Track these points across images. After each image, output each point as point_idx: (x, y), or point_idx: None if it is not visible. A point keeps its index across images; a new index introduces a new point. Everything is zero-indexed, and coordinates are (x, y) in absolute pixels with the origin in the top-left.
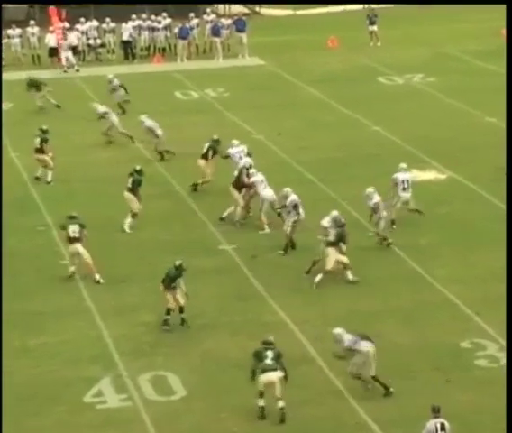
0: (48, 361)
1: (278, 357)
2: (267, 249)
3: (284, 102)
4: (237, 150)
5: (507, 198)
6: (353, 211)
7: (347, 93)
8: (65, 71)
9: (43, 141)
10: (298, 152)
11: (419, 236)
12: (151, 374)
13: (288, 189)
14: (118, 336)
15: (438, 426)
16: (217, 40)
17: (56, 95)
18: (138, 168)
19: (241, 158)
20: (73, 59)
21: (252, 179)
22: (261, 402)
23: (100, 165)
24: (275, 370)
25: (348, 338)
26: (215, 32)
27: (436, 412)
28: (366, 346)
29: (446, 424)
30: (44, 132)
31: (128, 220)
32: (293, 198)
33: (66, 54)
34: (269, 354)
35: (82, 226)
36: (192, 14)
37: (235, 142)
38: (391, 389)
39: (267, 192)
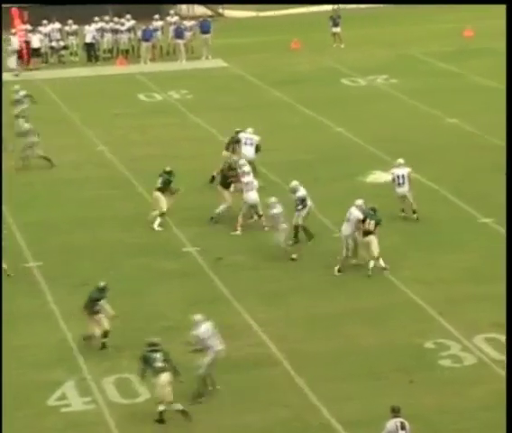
0: (13, 365)
1: (166, 357)
2: (231, 252)
3: (248, 104)
4: (246, 136)
5: (507, 198)
6: (318, 213)
7: (311, 95)
8: (16, 75)
9: None
10: (263, 154)
11: (383, 238)
12: (116, 377)
13: (296, 183)
14: (82, 340)
15: (398, 425)
16: (180, 42)
17: None
18: (168, 169)
19: (246, 144)
20: (14, 64)
21: (243, 179)
22: (161, 407)
23: (63, 167)
24: (165, 371)
25: (206, 329)
26: (179, 34)
27: (396, 412)
28: (219, 346)
29: (406, 423)
30: None
31: (157, 221)
32: (302, 192)
33: (10, 59)
34: (158, 355)
35: None
36: (157, 16)
37: (250, 130)
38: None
39: (250, 195)
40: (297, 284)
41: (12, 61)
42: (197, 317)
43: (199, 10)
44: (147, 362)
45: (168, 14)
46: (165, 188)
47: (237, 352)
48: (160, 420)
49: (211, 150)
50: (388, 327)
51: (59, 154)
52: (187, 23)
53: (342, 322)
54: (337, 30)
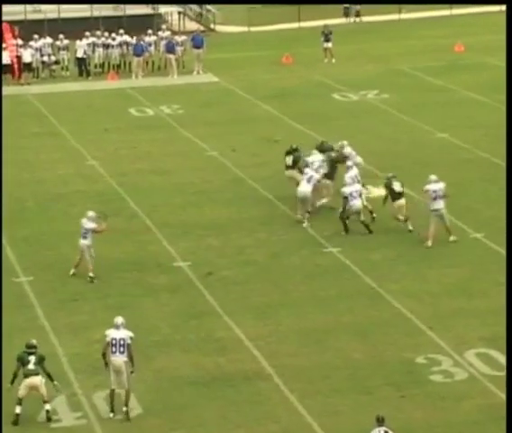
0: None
1: (40, 361)
2: (221, 266)
3: (238, 118)
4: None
5: (507, 199)
6: (309, 228)
7: (301, 109)
8: None
9: None
10: (253, 169)
11: (373, 252)
12: (106, 392)
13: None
14: (72, 354)
15: None
16: (172, 56)
17: (10, 112)
18: (295, 146)
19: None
20: None
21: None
22: (18, 410)
23: (53, 182)
24: (37, 374)
25: (119, 336)
26: (170, 48)
27: (380, 422)
28: (117, 359)
29: (389, 432)
30: None
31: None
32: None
33: None
34: (32, 358)
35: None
36: (150, 31)
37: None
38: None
39: (300, 188)
40: (287, 298)
41: None
42: (119, 320)
43: (191, 25)
44: (21, 362)
45: (159, 29)
46: (295, 165)
47: (227, 366)
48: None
49: (201, 164)
50: (378, 341)
51: (48, 168)
52: (179, 38)
53: (332, 336)
54: (328, 45)
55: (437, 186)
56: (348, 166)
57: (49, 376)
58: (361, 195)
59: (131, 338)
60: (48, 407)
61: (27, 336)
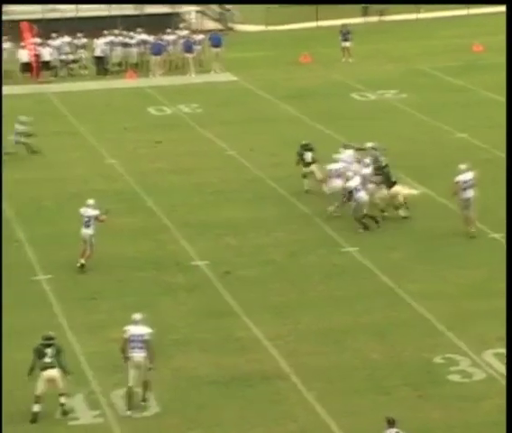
0: (20, 378)
1: (57, 354)
2: (239, 265)
3: (257, 118)
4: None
5: (507, 199)
6: (326, 226)
7: (320, 109)
8: None
9: None
10: (271, 168)
11: (391, 251)
12: (124, 391)
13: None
14: (90, 353)
15: None
16: (189, 55)
17: (29, 110)
18: (305, 142)
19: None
20: None
21: None
22: (36, 408)
23: (72, 181)
24: (54, 367)
25: (138, 332)
26: (187, 47)
27: (391, 424)
28: (136, 355)
29: None
30: None
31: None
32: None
33: None
34: (49, 351)
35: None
36: (168, 30)
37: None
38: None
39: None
40: (305, 298)
41: None
42: (137, 316)
43: (209, 24)
44: (38, 354)
45: (177, 28)
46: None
47: (245, 366)
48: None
49: (220, 164)
50: (396, 341)
51: (67, 167)
52: (197, 37)
53: (350, 336)
54: (347, 44)
55: (467, 176)
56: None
57: (63, 369)
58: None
59: (150, 335)
60: (63, 400)
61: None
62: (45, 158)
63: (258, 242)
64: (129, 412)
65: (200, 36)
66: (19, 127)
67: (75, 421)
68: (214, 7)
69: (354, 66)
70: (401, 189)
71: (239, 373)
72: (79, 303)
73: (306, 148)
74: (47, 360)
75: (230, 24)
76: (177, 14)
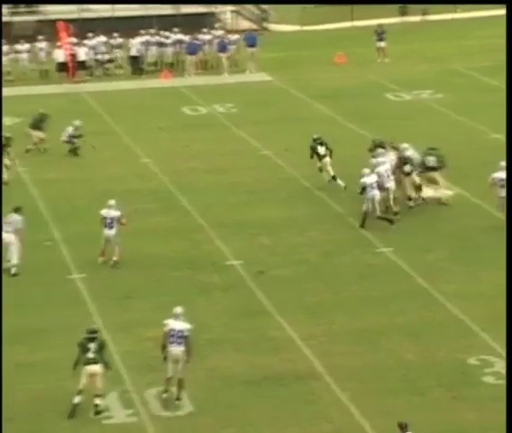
0: (53, 376)
1: (100, 349)
2: (273, 265)
3: (291, 117)
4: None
5: (507, 199)
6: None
7: (354, 109)
8: None
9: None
10: (305, 168)
11: (426, 252)
12: (158, 390)
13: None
14: (125, 352)
15: None
16: (223, 55)
17: (65, 110)
18: (316, 135)
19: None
20: None
21: None
22: (77, 400)
23: (106, 180)
24: (96, 363)
25: (178, 328)
26: (222, 47)
27: (404, 428)
28: (174, 349)
29: None
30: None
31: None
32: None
33: None
34: (92, 346)
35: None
36: (204, 30)
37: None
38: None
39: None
40: (339, 298)
41: None
42: (178, 309)
43: (244, 24)
44: (82, 349)
45: (213, 28)
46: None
47: (279, 365)
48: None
49: (255, 163)
50: (430, 342)
51: (102, 167)
52: (232, 37)
53: (384, 337)
54: (382, 44)
55: (504, 174)
56: (379, 162)
57: (106, 364)
58: (379, 187)
59: (189, 331)
60: (98, 401)
61: (80, 333)
62: (80, 157)
63: (292, 241)
64: (165, 395)
65: (235, 36)
66: (71, 130)
67: (109, 420)
68: (250, 7)
69: (389, 66)
70: (426, 191)
71: (272, 372)
72: (114, 302)
73: (319, 142)
74: (90, 355)
75: (265, 24)
76: (212, 14)
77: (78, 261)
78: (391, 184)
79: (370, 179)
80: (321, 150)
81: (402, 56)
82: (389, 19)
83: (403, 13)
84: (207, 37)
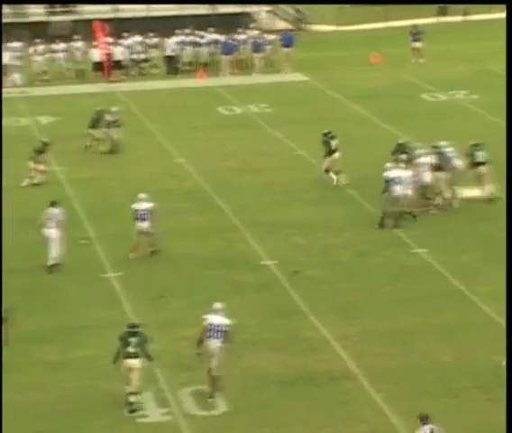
0: (87, 374)
1: (141, 344)
2: (308, 265)
3: (326, 118)
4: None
5: (507, 199)
6: (393, 227)
7: (389, 109)
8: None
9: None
10: (339, 168)
11: (461, 253)
12: (193, 389)
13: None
14: (159, 351)
15: (428, 432)
16: (258, 55)
17: None
18: (327, 130)
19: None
20: (19, 81)
21: None
22: (133, 398)
23: (141, 180)
24: (136, 357)
25: (217, 322)
26: (256, 47)
27: (424, 420)
28: (212, 342)
29: (435, 429)
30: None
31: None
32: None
33: (15, 76)
34: (132, 340)
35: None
36: (240, 30)
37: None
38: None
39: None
40: (373, 299)
41: (17, 78)
42: (218, 305)
43: (280, 24)
44: (123, 342)
45: (248, 28)
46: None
47: (314, 366)
48: (132, 409)
49: (289, 163)
50: (465, 343)
51: (137, 166)
52: (268, 37)
53: (418, 338)
54: (417, 45)
55: None
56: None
57: (148, 357)
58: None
59: (228, 326)
60: (132, 399)
61: (115, 331)
62: (115, 156)
63: (326, 242)
64: (210, 400)
65: (271, 36)
66: (109, 117)
67: (143, 419)
68: (285, 7)
69: (425, 66)
70: (464, 191)
71: (306, 372)
72: (149, 301)
73: (330, 135)
74: (130, 349)
75: (301, 25)
76: (247, 14)
77: (113, 259)
78: (428, 179)
79: (393, 174)
80: (333, 143)
81: (438, 56)
82: (426, 19)
83: (442, 14)
84: (242, 37)
